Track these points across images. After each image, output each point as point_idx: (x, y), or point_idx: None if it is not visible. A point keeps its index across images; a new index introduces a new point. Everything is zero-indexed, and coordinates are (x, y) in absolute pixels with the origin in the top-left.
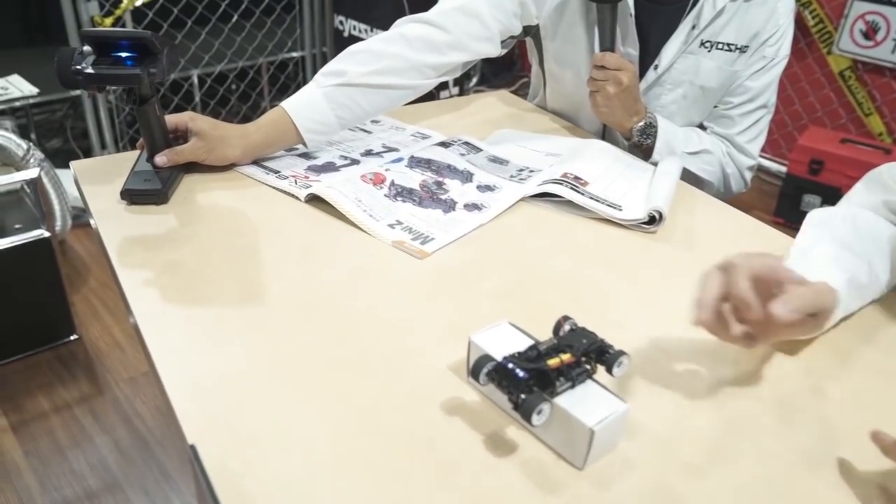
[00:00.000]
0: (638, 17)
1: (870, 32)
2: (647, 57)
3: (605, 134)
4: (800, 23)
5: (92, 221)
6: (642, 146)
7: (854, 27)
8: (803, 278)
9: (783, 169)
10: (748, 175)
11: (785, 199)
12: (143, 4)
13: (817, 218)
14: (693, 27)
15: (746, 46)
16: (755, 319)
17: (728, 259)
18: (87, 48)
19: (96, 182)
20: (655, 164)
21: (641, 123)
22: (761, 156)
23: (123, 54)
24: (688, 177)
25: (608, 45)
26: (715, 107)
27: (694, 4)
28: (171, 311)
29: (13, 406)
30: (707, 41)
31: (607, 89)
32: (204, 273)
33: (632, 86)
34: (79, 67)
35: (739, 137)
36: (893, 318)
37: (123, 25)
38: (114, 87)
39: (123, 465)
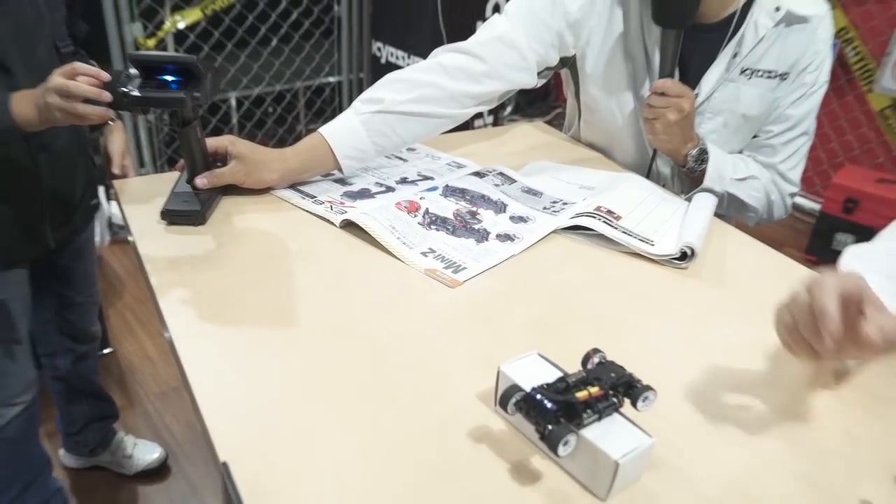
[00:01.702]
0: None
1: None
2: (687, 85)
3: (651, 166)
4: (840, 59)
5: (130, 239)
6: (694, 173)
7: None
8: (883, 305)
9: (817, 207)
10: (789, 202)
11: (817, 236)
12: (185, 27)
13: (856, 252)
14: (734, 55)
15: (787, 73)
16: (833, 336)
17: (817, 276)
18: (133, 70)
19: (137, 201)
20: (690, 200)
21: (696, 150)
22: None
23: (169, 77)
24: (733, 203)
25: (669, 71)
26: (755, 136)
27: (735, 32)
28: (206, 330)
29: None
30: (748, 68)
31: (668, 116)
32: (239, 294)
33: (692, 112)
34: (125, 90)
35: (782, 166)
36: None
37: (165, 47)
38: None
39: (152, 477)
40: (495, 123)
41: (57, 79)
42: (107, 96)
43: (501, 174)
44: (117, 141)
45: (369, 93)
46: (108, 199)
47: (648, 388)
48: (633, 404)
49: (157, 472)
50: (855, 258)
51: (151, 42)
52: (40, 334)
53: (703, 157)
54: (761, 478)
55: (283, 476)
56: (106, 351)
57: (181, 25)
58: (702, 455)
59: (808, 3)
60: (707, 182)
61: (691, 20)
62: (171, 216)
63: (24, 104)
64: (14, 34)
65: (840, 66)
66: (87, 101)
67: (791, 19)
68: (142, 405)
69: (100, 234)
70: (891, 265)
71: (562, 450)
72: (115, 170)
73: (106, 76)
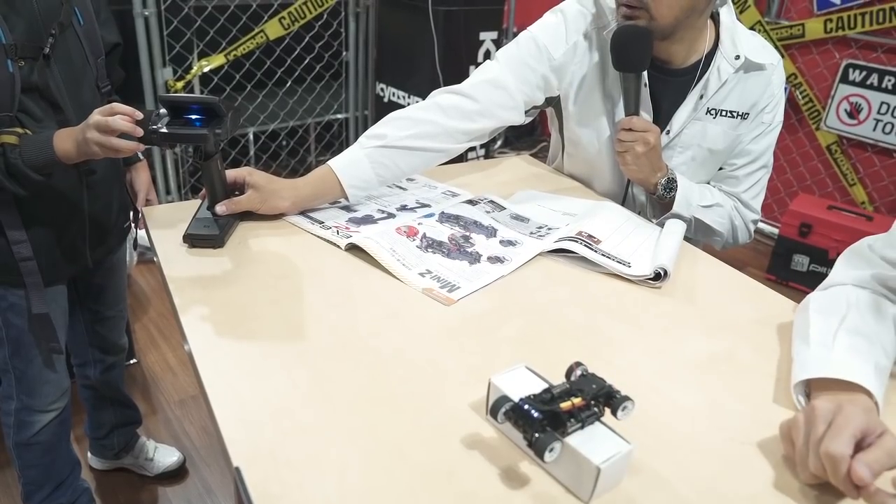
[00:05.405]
0: (651, 86)
1: (853, 112)
2: (660, 123)
3: (626, 194)
4: (791, 101)
5: (156, 260)
6: (665, 199)
7: (839, 107)
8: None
9: (775, 231)
10: (752, 227)
11: (777, 258)
12: (210, 71)
13: (821, 304)
14: (701, 97)
15: (747, 113)
16: (840, 479)
17: (836, 411)
18: (162, 110)
19: (163, 226)
20: (662, 226)
21: (665, 179)
22: None
23: (193, 116)
24: (700, 227)
25: (633, 109)
26: (720, 168)
27: (701, 76)
28: (223, 344)
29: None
30: (713, 109)
31: (636, 149)
32: (253, 311)
33: (657, 145)
34: (155, 127)
35: (745, 195)
36: None
37: (192, 88)
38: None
39: (171, 479)
40: (487, 156)
41: (97, 116)
42: (139, 131)
43: (492, 202)
44: (143, 179)
45: (374, 129)
46: (135, 226)
47: (627, 398)
48: (613, 413)
49: (176, 475)
50: (822, 313)
51: (180, 84)
52: (73, 346)
53: (671, 185)
54: (732, 480)
55: (290, 480)
56: (132, 361)
57: (207, 69)
58: (677, 459)
59: (764, 53)
60: (676, 208)
61: (645, 65)
62: (193, 240)
63: (64, 140)
64: (65, 77)
65: (791, 107)
66: (122, 135)
67: (749, 67)
68: (163, 412)
69: (129, 254)
70: (856, 320)
71: (548, 456)
72: (139, 205)
73: (139, 114)
